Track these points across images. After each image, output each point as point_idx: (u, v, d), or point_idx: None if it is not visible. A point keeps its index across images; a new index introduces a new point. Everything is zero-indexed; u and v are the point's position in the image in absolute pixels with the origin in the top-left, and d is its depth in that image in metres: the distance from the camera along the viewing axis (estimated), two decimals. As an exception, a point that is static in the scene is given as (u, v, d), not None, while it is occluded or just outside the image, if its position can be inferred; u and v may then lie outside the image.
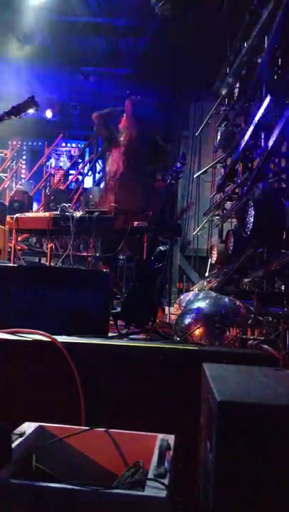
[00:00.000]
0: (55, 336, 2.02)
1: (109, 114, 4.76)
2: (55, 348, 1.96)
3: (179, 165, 3.56)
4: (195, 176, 7.70)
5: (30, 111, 3.54)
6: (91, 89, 8.84)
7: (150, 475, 1.25)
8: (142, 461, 1.43)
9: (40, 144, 10.90)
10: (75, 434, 1.53)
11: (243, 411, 1.21)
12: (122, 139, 4.61)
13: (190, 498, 1.49)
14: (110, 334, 2.55)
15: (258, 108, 3.84)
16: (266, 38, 3.98)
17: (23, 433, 1.46)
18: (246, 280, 3.84)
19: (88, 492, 1.15)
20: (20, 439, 1.42)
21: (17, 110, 3.57)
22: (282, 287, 3.43)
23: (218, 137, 6.36)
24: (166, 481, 1.21)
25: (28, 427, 1.52)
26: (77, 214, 4.29)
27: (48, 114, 9.44)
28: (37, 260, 6.63)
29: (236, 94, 5.16)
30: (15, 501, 1.13)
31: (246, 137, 4.15)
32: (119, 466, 1.46)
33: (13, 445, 1.35)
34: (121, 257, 4.73)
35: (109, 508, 1.13)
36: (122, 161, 4.56)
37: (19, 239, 5.12)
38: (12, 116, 3.52)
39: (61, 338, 2.03)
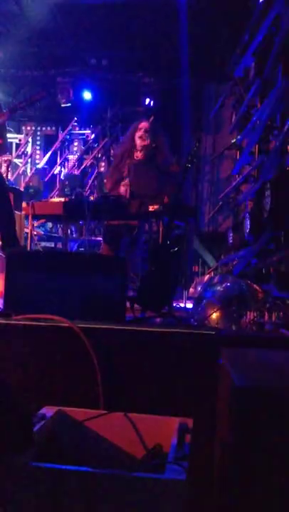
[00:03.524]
0: (72, 321, 2.03)
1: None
2: (72, 333, 1.98)
3: (194, 148, 3.52)
4: (210, 159, 7.63)
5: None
6: (102, 74, 8.78)
7: (170, 458, 1.26)
8: (161, 445, 1.44)
9: (53, 128, 10.88)
10: (94, 418, 1.55)
11: (262, 396, 1.21)
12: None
13: (209, 481, 1.50)
14: (127, 318, 2.56)
15: (274, 89, 3.77)
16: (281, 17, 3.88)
17: (44, 416, 1.48)
18: (263, 263, 3.82)
19: (108, 475, 1.17)
20: (41, 423, 1.44)
21: (29, 101, 3.66)
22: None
23: (234, 119, 6.28)
24: (185, 463, 1.22)
25: (48, 411, 1.54)
26: (92, 198, 4.28)
27: (63, 103, 9.41)
28: (53, 246, 6.67)
29: (252, 75, 5.08)
30: (36, 484, 1.15)
31: (262, 119, 4.09)
32: (138, 450, 1.48)
33: (35, 429, 1.38)
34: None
35: (129, 490, 1.15)
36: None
37: (35, 224, 5.14)
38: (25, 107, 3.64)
39: (79, 323, 2.04)
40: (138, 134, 4.29)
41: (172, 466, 1.20)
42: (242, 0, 5.20)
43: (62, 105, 9.59)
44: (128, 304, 2.87)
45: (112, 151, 9.99)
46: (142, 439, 1.49)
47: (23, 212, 4.40)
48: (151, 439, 1.49)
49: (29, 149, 10.39)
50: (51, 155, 10.18)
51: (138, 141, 4.29)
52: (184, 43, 7.01)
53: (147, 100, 8.99)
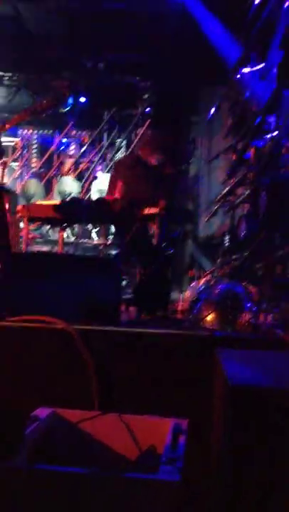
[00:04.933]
0: (67, 323, 2.02)
1: None
2: (67, 335, 1.97)
3: (190, 151, 3.52)
4: (206, 162, 7.62)
5: None
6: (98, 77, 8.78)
7: (164, 459, 1.25)
8: (155, 446, 1.43)
9: (50, 132, 10.88)
10: (88, 419, 1.54)
11: (257, 395, 1.20)
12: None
13: (203, 482, 1.50)
14: (122, 321, 2.55)
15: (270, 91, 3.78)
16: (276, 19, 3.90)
17: (38, 418, 1.47)
18: (259, 266, 3.81)
19: (101, 476, 1.16)
20: (35, 424, 1.43)
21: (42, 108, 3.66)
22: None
23: (229, 122, 6.28)
24: (180, 464, 1.22)
25: (42, 412, 1.53)
26: (88, 201, 4.28)
27: (61, 108, 9.38)
28: (49, 249, 6.65)
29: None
30: (29, 485, 1.14)
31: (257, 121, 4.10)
32: (132, 451, 1.47)
33: (28, 430, 1.37)
34: None
35: (123, 491, 1.14)
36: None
37: (31, 227, 5.13)
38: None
39: (73, 325, 2.03)
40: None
41: (166, 466, 1.20)
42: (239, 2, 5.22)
43: (61, 110, 9.57)
44: (123, 307, 2.87)
45: (108, 155, 9.99)
46: (136, 441, 1.48)
47: (19, 215, 4.38)
48: (145, 440, 1.48)
49: (25, 152, 10.39)
50: (47, 158, 10.17)
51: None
52: (180, 46, 7.03)
53: (143, 104, 9.02)
